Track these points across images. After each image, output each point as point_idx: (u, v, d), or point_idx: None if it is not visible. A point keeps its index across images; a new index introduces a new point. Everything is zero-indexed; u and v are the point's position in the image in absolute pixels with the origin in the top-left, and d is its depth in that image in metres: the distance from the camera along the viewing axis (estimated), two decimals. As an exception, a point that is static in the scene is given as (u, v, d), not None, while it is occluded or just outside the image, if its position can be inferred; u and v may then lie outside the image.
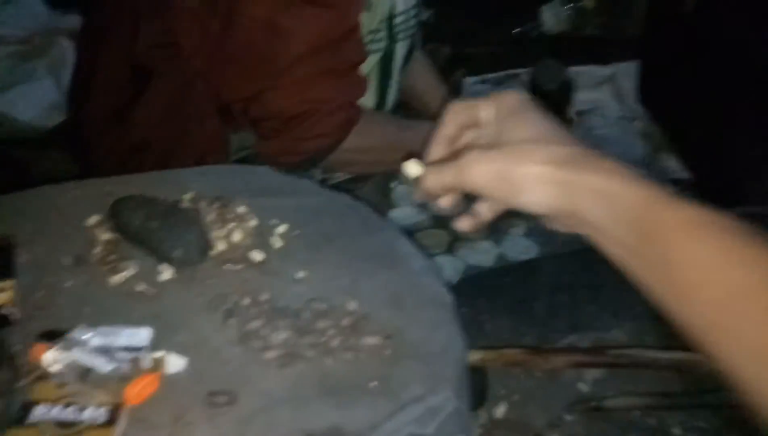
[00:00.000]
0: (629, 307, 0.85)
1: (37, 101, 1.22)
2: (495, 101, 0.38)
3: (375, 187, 1.04)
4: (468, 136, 0.40)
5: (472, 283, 0.91)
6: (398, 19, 0.85)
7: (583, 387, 0.73)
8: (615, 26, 1.60)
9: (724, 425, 0.66)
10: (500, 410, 0.70)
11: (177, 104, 0.78)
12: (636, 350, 0.62)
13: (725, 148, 1.16)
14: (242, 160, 0.83)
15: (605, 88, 1.45)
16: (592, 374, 0.74)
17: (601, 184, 0.33)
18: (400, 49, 0.88)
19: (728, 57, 1.17)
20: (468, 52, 1.38)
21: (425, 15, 1.37)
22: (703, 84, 1.23)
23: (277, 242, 0.55)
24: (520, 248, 0.99)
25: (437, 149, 0.40)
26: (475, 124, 0.39)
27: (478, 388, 0.69)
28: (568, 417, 0.69)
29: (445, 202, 0.40)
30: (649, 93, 1.41)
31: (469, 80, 1.45)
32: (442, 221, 1.02)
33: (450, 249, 0.97)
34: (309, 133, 0.76)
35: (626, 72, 1.42)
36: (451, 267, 0.93)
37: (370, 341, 0.46)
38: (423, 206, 1.05)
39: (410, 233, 0.98)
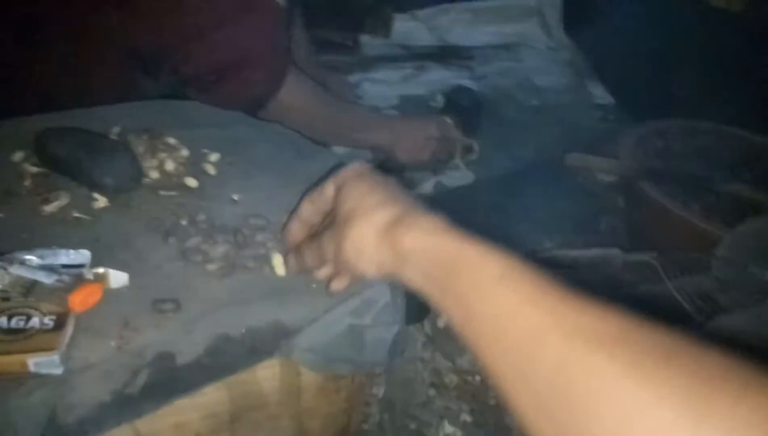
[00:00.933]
0: (556, 221, 0.91)
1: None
2: (335, 180, 0.41)
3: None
4: (324, 218, 0.43)
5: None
6: None
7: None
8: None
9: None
10: (442, 321, 0.74)
11: (74, 54, 0.72)
12: (560, 251, 0.67)
13: (645, 74, 1.23)
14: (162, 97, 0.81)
15: (532, 19, 1.48)
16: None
17: (417, 244, 0.34)
18: None
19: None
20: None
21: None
22: (623, 12, 1.27)
23: (210, 170, 0.56)
24: (456, 175, 1.03)
25: (296, 233, 0.44)
26: (327, 205, 0.42)
27: (420, 302, 0.73)
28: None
29: (319, 275, 0.43)
30: (573, 23, 1.45)
31: (400, 16, 1.45)
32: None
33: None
34: (245, 83, 0.75)
35: (551, 3, 1.45)
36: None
37: (309, 250, 0.49)
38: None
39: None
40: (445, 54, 1.41)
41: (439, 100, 1.17)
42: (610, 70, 1.32)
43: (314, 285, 0.45)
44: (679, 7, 1.09)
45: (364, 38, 1.43)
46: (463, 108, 1.05)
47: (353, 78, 1.26)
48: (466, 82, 1.24)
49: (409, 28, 1.45)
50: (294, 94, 0.79)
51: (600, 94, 1.28)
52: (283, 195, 0.54)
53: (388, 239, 0.35)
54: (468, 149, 1.01)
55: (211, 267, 0.44)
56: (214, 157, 0.57)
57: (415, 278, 0.35)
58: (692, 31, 1.07)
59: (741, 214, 0.73)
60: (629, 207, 0.83)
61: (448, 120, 0.99)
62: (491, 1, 1.47)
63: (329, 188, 0.41)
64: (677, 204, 0.72)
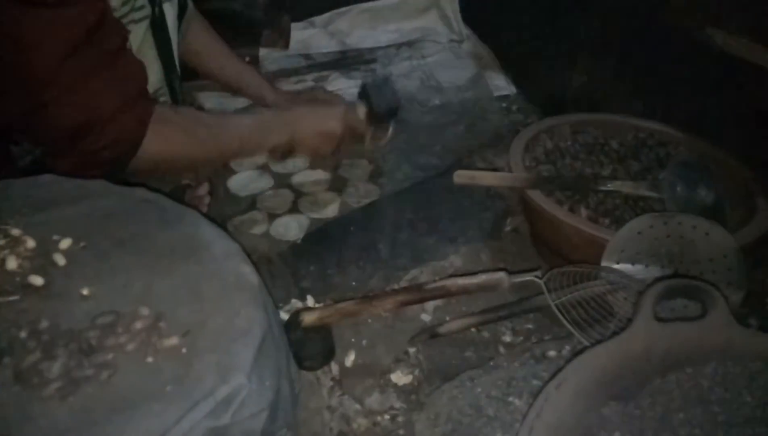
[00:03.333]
0: (463, 233, 0.91)
1: None
2: None
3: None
4: None
5: (317, 237, 0.92)
6: None
7: (426, 317, 0.78)
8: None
9: (542, 324, 0.74)
10: (350, 358, 0.73)
11: None
12: (449, 280, 0.66)
13: (543, 61, 1.23)
14: (34, 163, 0.76)
15: (431, 13, 1.46)
16: (433, 302, 0.79)
17: None
18: (170, 10, 0.84)
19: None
20: (287, -5, 1.33)
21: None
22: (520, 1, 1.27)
23: (60, 260, 0.52)
24: (361, 192, 1.01)
25: None
26: None
27: (325, 344, 0.71)
28: (412, 349, 0.74)
29: None
30: (473, 13, 1.45)
31: (297, 25, 1.41)
32: (283, 181, 1.02)
33: (294, 207, 0.97)
34: (100, 143, 0.70)
35: (448, -5, 1.44)
36: (296, 225, 0.94)
37: (166, 343, 0.46)
38: (263, 168, 1.04)
39: (253, 196, 0.98)
40: (347, 59, 1.38)
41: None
42: (510, 59, 1.33)
43: (169, 387, 0.42)
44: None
45: (263, 52, 1.38)
46: (377, 101, 1.00)
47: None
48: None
49: (308, 35, 1.41)
50: (161, 141, 0.75)
51: (502, 84, 1.28)
52: (140, 278, 0.51)
53: None
54: (383, 130, 0.99)
55: (51, 388, 0.41)
56: (64, 243, 0.53)
57: None
58: (572, 17, 1.08)
59: (625, 212, 0.74)
60: (527, 215, 0.83)
61: (361, 109, 0.96)
62: (388, -1, 1.44)
63: None
64: (565, 211, 0.73)
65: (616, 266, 0.67)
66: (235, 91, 1.11)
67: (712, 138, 0.82)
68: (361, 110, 0.96)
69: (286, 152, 0.90)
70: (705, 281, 0.50)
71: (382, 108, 0.97)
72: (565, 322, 0.58)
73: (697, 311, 0.48)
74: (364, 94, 1.00)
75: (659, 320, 0.44)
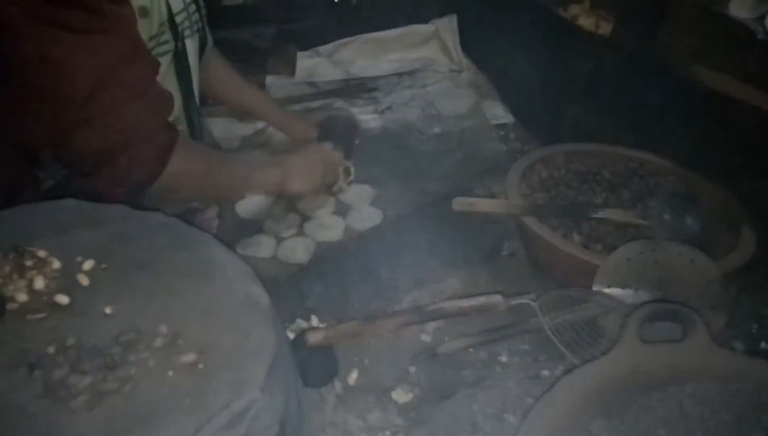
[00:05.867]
0: (462, 257, 0.95)
1: None
2: None
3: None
4: None
5: (323, 260, 0.96)
6: (179, 18, 0.86)
7: (426, 338, 0.81)
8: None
9: (537, 345, 0.77)
10: (353, 377, 0.76)
11: None
12: (448, 302, 0.69)
13: (539, 91, 1.28)
14: (58, 186, 0.80)
15: (432, 44, 1.52)
16: (433, 324, 0.82)
17: None
18: (191, 45, 0.89)
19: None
20: (293, 28, 1.39)
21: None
22: (512, 33, 1.33)
23: (83, 280, 0.55)
24: (365, 217, 1.05)
25: None
26: None
27: (328, 363, 0.74)
28: (412, 368, 0.77)
29: None
30: (473, 45, 1.50)
31: (303, 54, 1.46)
32: (290, 205, 1.06)
33: (300, 231, 1.01)
34: (131, 164, 0.75)
35: (447, 26, 1.50)
36: (302, 248, 0.97)
37: (184, 359, 0.49)
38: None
39: (261, 220, 1.02)
40: (351, 88, 1.43)
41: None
42: (508, 88, 1.38)
43: (188, 401, 0.45)
44: (555, 29, 1.15)
45: (269, 79, 1.44)
46: (339, 133, 1.10)
47: (261, 123, 1.27)
48: (370, 117, 1.27)
49: (313, 64, 1.47)
50: (182, 166, 0.80)
51: (500, 113, 1.33)
52: (158, 297, 0.54)
53: None
54: (347, 172, 1.05)
55: (78, 401, 0.44)
56: (87, 264, 0.57)
57: None
58: (567, 51, 1.13)
59: (616, 239, 0.78)
60: (523, 241, 0.87)
61: (327, 145, 1.03)
62: (391, 30, 1.50)
63: None
64: (558, 237, 0.76)
65: (606, 290, 0.70)
66: (253, 116, 1.19)
67: (699, 168, 0.86)
68: (327, 145, 1.04)
69: (281, 188, 0.96)
70: (687, 306, 0.54)
71: (341, 142, 1.06)
72: (557, 343, 0.62)
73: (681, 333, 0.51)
74: (325, 131, 1.08)
75: (644, 341, 0.48)
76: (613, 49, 1.03)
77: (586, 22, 1.05)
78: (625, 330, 0.49)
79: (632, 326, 0.49)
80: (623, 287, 0.71)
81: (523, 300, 0.66)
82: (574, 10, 1.10)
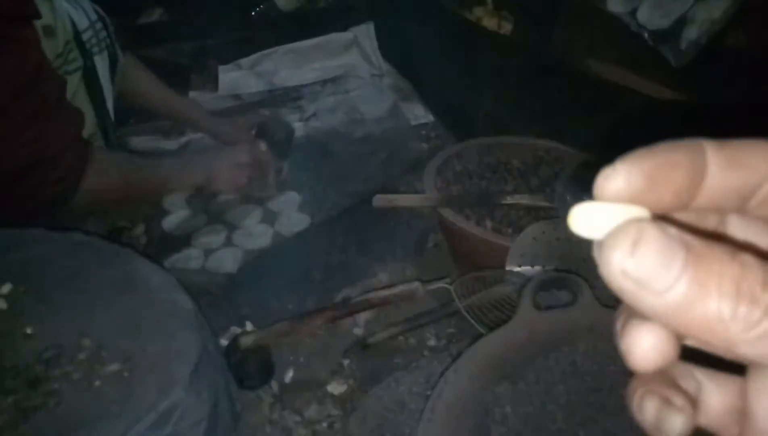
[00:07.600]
0: (390, 252, 0.99)
1: None
2: None
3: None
4: None
5: (253, 267, 0.97)
6: (86, 35, 0.87)
7: (358, 331, 0.85)
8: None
9: (463, 327, 0.82)
10: (289, 375, 0.78)
11: None
12: (371, 293, 0.73)
13: (456, 93, 1.35)
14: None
15: (353, 51, 1.56)
16: (364, 317, 0.86)
17: None
18: (101, 62, 0.90)
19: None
20: (212, 42, 1.40)
21: (156, 15, 1.35)
22: (429, 36, 1.39)
23: (2, 304, 0.55)
24: (293, 222, 1.07)
25: None
26: None
27: (263, 364, 0.76)
28: (346, 361, 0.80)
29: None
30: (391, 51, 1.56)
31: (224, 68, 1.47)
32: (216, 217, 1.07)
33: (228, 241, 1.02)
34: (43, 183, 0.75)
35: (365, 33, 1.54)
36: (231, 258, 0.99)
37: (109, 369, 0.51)
38: (196, 207, 1.09)
39: (188, 234, 1.03)
40: (275, 98, 1.45)
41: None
42: (427, 89, 1.44)
43: (114, 407, 0.47)
44: (463, 30, 1.22)
45: (193, 94, 1.44)
46: (275, 136, 1.13)
47: (186, 138, 1.27)
48: (295, 126, 1.30)
49: (236, 77, 1.48)
50: (98, 183, 0.80)
51: (421, 113, 1.39)
52: (81, 313, 0.55)
53: None
54: (278, 172, 1.09)
55: (1, 420, 0.45)
56: (5, 289, 0.57)
57: None
58: (475, 51, 1.20)
59: (527, 223, 0.84)
60: (443, 232, 0.92)
61: (262, 144, 1.06)
62: (311, 39, 1.53)
63: None
64: (472, 224, 0.82)
65: (517, 269, 0.76)
66: (182, 123, 1.20)
67: (595, 150, 0.94)
68: (263, 145, 1.07)
69: (206, 188, 0.99)
70: (576, 274, 0.60)
71: (277, 144, 1.10)
72: (472, 321, 0.66)
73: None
74: (261, 132, 1.12)
75: (538, 308, 0.53)
76: (516, 48, 1.10)
77: (489, 22, 1.12)
78: (521, 300, 0.54)
79: (527, 295, 0.54)
80: (532, 264, 0.77)
81: (440, 285, 0.71)
82: (478, 11, 1.17)
